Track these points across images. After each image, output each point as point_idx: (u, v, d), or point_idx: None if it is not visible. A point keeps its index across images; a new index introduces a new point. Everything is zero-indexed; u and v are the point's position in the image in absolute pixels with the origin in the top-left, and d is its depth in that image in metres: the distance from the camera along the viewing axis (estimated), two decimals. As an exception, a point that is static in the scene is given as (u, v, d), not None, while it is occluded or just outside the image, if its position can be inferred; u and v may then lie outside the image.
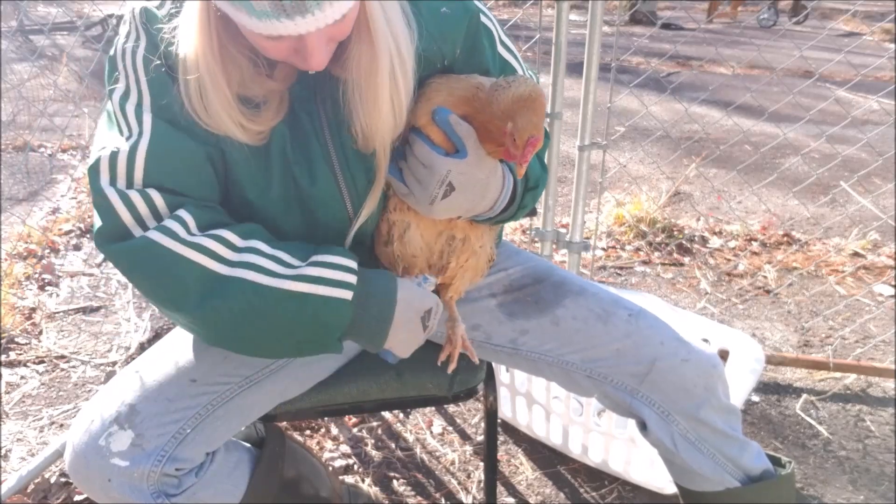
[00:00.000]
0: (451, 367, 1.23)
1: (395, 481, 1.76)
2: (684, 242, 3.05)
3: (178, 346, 1.11)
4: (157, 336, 2.28)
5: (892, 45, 5.93)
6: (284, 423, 1.83)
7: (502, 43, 1.14)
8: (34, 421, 1.96)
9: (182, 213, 0.94)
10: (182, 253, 0.92)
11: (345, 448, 1.87)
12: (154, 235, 0.92)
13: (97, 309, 2.52)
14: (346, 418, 1.96)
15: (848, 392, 2.10)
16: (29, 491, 1.68)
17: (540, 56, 4.51)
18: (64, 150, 4.08)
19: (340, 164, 1.03)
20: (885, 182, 3.59)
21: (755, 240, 3.12)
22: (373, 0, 0.90)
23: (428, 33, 1.01)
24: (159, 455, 0.99)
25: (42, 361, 2.22)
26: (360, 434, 1.92)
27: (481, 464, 1.81)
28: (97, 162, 0.94)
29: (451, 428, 1.97)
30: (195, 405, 1.05)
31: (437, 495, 1.72)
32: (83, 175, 3.39)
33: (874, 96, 3.74)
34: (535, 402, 1.76)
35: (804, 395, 2.08)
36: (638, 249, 3.03)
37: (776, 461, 1.25)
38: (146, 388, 1.04)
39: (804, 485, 1.75)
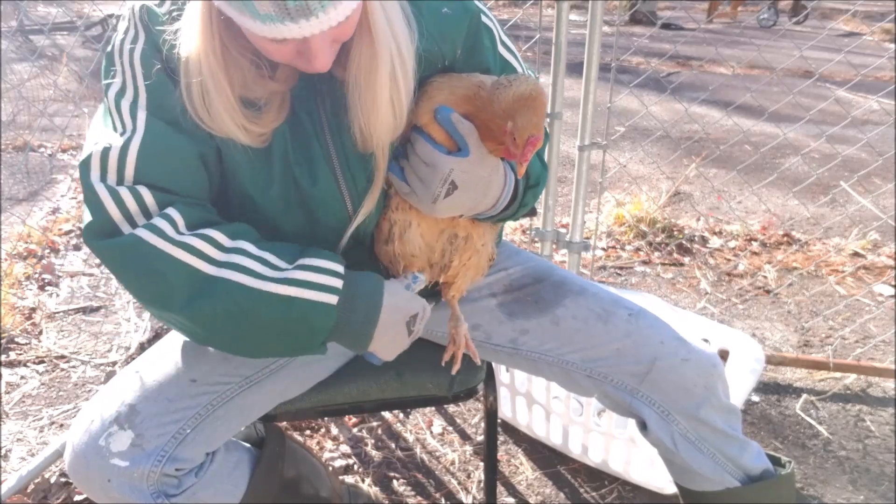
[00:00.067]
0: (455, 368, 1.23)
1: (395, 481, 1.76)
2: (684, 242, 3.05)
3: (178, 347, 1.11)
4: (157, 336, 2.28)
5: (892, 45, 5.93)
6: (284, 423, 1.83)
7: (503, 43, 1.14)
8: (34, 421, 1.96)
9: (171, 211, 0.93)
10: (169, 252, 0.91)
11: (345, 448, 1.87)
12: (142, 233, 0.91)
13: (97, 309, 2.52)
14: (346, 418, 1.96)
15: (848, 392, 2.10)
16: (29, 491, 1.68)
17: (540, 56, 4.50)
18: (64, 150, 4.08)
19: (341, 165, 1.03)
20: (885, 182, 3.59)
21: (755, 240, 3.12)
22: (374, 0, 0.90)
23: (428, 33, 1.01)
24: (159, 455, 0.99)
25: (42, 361, 2.22)
26: (360, 434, 1.92)
27: (481, 464, 1.81)
28: (88, 157, 0.94)
29: (451, 428, 1.96)
30: (195, 405, 1.05)
31: (437, 495, 1.72)
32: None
33: (874, 96, 3.74)
34: (535, 402, 1.76)
35: (804, 395, 2.08)
36: (638, 249, 3.03)
37: (776, 461, 1.25)
38: (146, 388, 1.04)
39: (804, 485, 1.75)
